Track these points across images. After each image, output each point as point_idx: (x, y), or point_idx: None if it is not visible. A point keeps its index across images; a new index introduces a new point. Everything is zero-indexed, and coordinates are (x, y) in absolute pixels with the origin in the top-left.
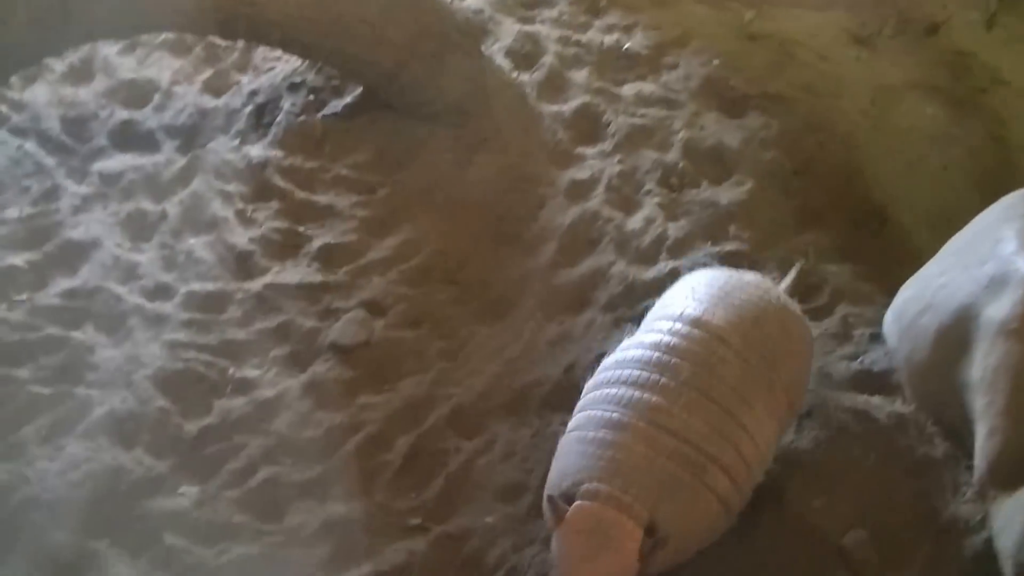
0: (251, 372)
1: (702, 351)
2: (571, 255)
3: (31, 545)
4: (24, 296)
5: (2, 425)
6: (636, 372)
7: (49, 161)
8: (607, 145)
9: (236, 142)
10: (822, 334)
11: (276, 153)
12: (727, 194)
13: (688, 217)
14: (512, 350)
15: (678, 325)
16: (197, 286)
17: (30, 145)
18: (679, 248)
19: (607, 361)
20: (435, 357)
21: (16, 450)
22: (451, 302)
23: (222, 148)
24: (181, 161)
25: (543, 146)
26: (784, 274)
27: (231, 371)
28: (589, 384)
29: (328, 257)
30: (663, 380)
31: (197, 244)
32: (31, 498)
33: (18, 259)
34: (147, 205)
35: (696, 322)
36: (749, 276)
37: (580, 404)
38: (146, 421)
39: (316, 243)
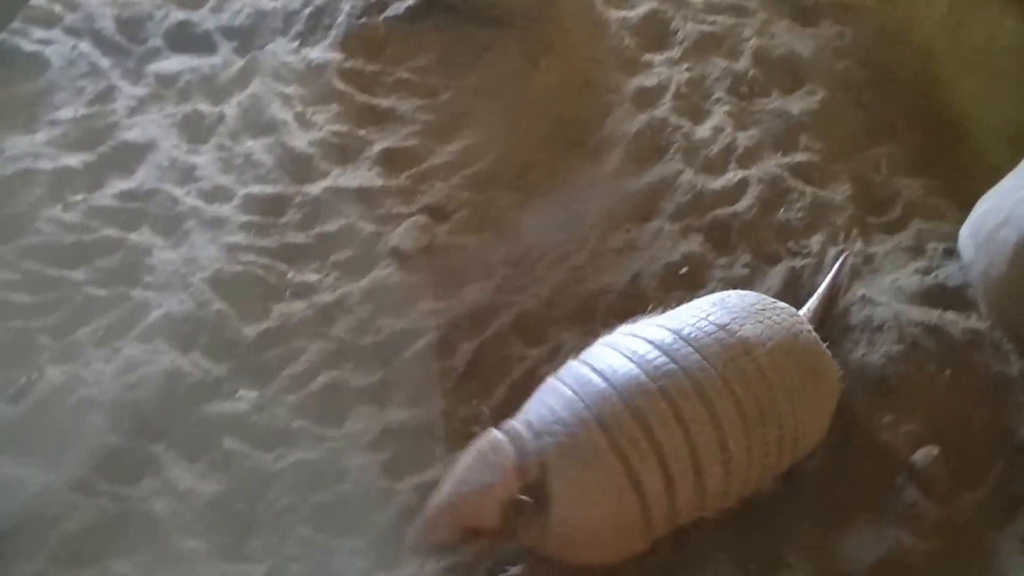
0: (310, 276)
1: (722, 352)
2: (638, 163)
3: (87, 447)
4: (79, 197)
5: (58, 327)
6: (646, 349)
7: (104, 62)
8: (675, 52)
9: (295, 44)
10: (894, 248)
11: (336, 55)
12: (798, 104)
13: (758, 127)
14: (577, 258)
15: (704, 323)
16: (256, 189)
17: (84, 45)
18: (748, 158)
19: (627, 328)
20: (498, 264)
21: (72, 352)
22: (515, 208)
23: (281, 50)
24: (238, 63)
25: (610, 52)
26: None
27: (290, 275)
28: (605, 338)
29: (389, 161)
30: (669, 366)
31: (255, 146)
32: (87, 400)
33: (73, 160)
34: (204, 107)
35: (724, 327)
36: (783, 304)
37: (583, 354)
38: (204, 324)
39: (377, 147)
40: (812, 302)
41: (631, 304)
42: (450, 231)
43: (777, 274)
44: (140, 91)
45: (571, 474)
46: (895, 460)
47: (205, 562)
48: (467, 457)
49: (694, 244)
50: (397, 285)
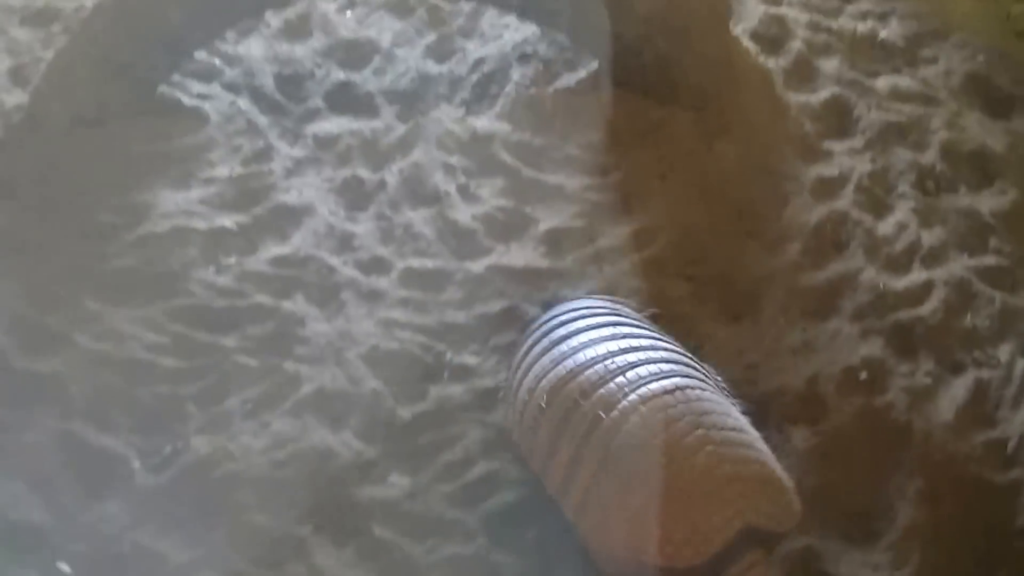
0: (470, 359)
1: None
2: (816, 257)
3: (232, 525)
4: (232, 260)
5: (206, 395)
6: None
7: (262, 120)
8: (857, 141)
9: (460, 112)
10: None
11: (503, 126)
12: (988, 203)
13: (944, 225)
14: (751, 355)
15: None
16: (415, 262)
17: (243, 102)
18: (933, 258)
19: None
20: None
21: (220, 423)
22: (686, 298)
23: (445, 117)
24: (401, 128)
25: (789, 138)
26: None
27: (449, 356)
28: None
29: (555, 241)
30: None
31: (416, 217)
32: (234, 475)
33: (227, 220)
34: (364, 172)
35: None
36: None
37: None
38: (357, 402)
39: (543, 225)
40: None
41: (808, 408)
42: None
43: (962, 385)
44: (298, 152)
45: None
46: None
47: None
48: None
49: (875, 347)
50: None
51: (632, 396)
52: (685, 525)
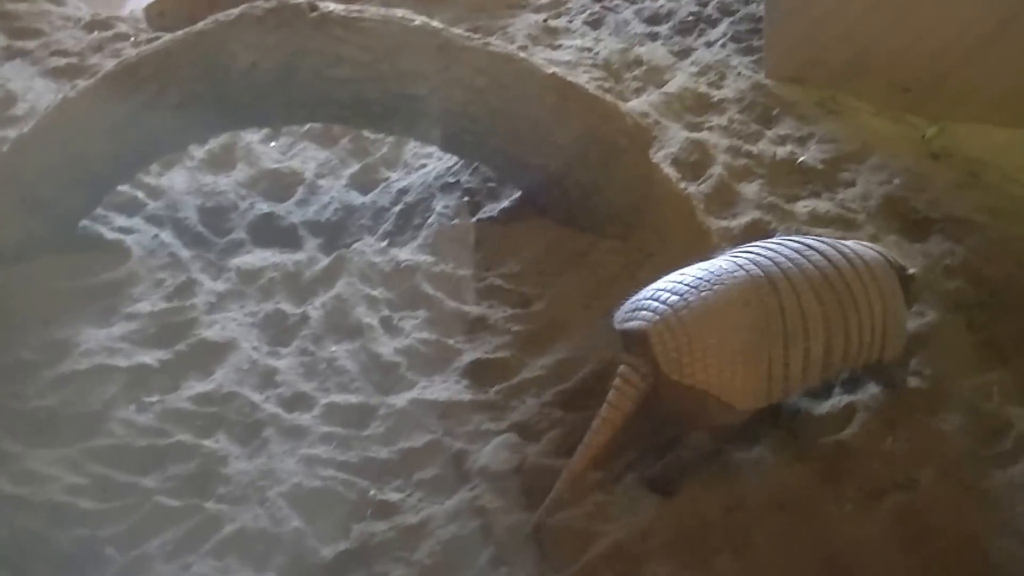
0: (393, 495)
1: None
2: None
3: None
4: (154, 398)
5: (126, 538)
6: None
7: (185, 253)
8: None
9: (384, 243)
10: (1010, 483)
11: (426, 258)
12: (907, 325)
13: None
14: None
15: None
16: (338, 397)
17: (166, 235)
18: (855, 382)
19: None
20: (590, 488)
21: (140, 566)
22: None
23: (368, 249)
24: (324, 260)
25: None
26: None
27: (372, 492)
28: None
29: (479, 374)
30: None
31: (339, 351)
32: None
33: (149, 357)
34: (287, 306)
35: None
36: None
37: None
38: (279, 542)
39: (466, 357)
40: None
41: (733, 535)
42: (541, 452)
43: (886, 509)
44: (221, 286)
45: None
46: None
47: None
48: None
49: (797, 475)
50: (484, 508)
51: None
52: None
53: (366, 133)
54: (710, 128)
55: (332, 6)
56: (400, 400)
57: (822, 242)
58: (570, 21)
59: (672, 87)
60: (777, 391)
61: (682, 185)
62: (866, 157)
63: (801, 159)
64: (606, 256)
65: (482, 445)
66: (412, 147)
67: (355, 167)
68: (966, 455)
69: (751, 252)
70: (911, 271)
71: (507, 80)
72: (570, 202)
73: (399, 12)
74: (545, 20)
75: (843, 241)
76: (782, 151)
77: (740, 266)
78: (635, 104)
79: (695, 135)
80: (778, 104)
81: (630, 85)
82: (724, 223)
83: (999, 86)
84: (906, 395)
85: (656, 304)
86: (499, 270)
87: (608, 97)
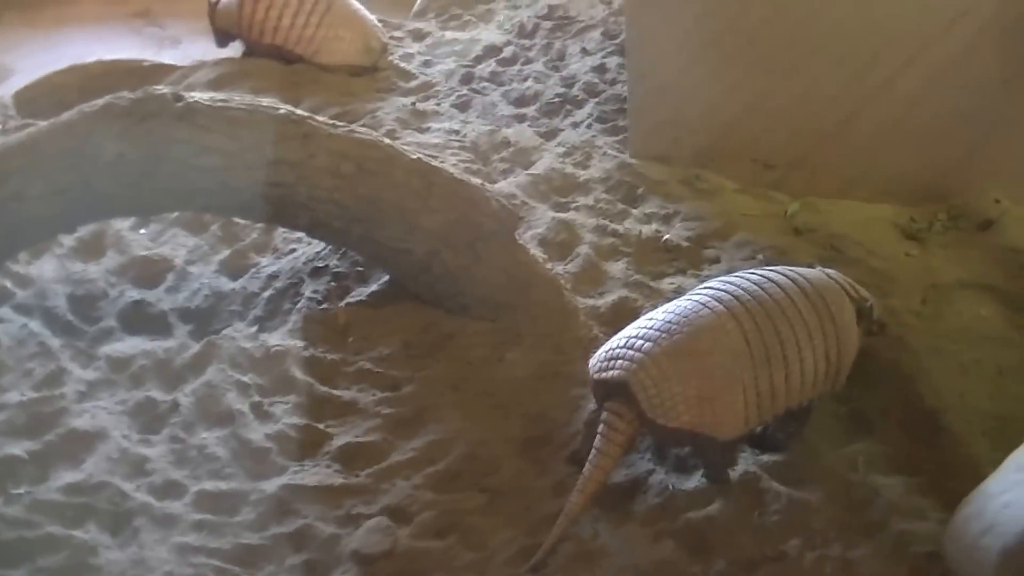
0: None
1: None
2: None
3: None
4: (23, 490)
5: None
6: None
7: (54, 342)
8: None
9: (254, 329)
10: (875, 552)
11: (296, 343)
12: None
13: None
14: (545, 568)
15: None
16: (209, 485)
17: (35, 324)
18: None
19: None
20: (463, 570)
21: None
22: (481, 511)
23: (238, 335)
24: (195, 347)
25: (578, 342)
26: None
27: None
28: None
29: (349, 458)
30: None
31: (210, 438)
32: None
33: (18, 448)
34: (157, 394)
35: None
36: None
37: None
38: None
39: (337, 442)
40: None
41: None
42: (412, 534)
43: None
44: (91, 375)
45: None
46: None
47: None
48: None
49: (666, 550)
50: None
51: None
52: None
53: (236, 219)
54: (576, 208)
55: (197, 96)
56: (271, 485)
57: (779, 273)
58: (438, 104)
59: (539, 168)
60: (753, 418)
61: (549, 265)
62: (730, 234)
63: (666, 237)
64: (475, 338)
65: (353, 529)
66: (281, 232)
67: (225, 253)
68: (834, 525)
69: (712, 288)
70: (869, 303)
71: (372, 166)
72: (438, 286)
73: (265, 101)
74: (413, 104)
75: (801, 270)
76: (647, 229)
77: (703, 304)
78: (502, 186)
79: (562, 215)
80: (643, 183)
81: (497, 167)
82: (591, 302)
83: (857, 163)
84: (774, 468)
85: (631, 352)
86: (369, 353)
87: (475, 180)
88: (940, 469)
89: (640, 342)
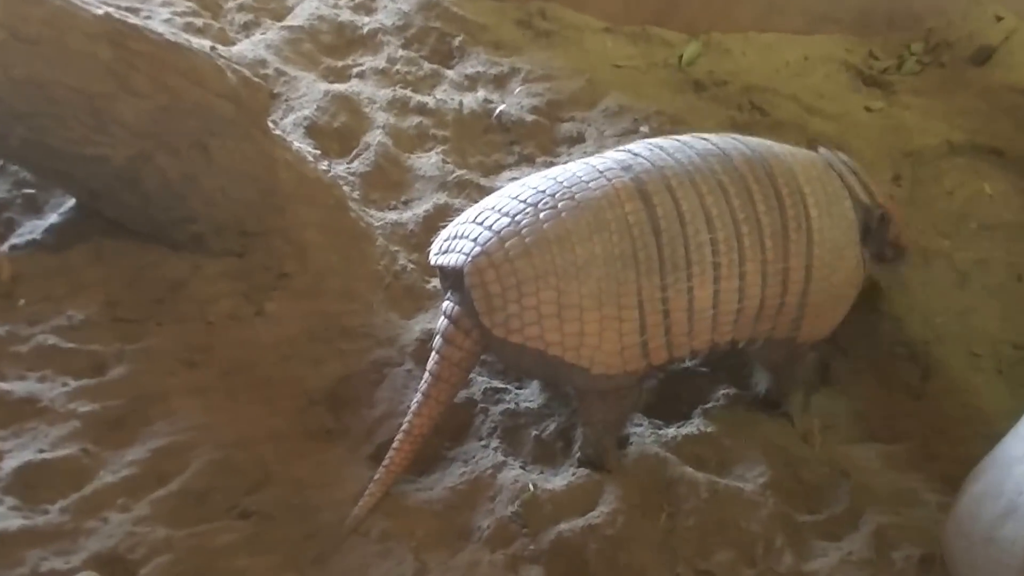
0: None
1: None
2: (432, 453)
3: None
4: None
5: None
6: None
7: None
8: None
9: None
10: (842, 562)
11: None
12: None
13: None
14: None
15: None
16: None
17: None
18: None
19: None
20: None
21: None
22: (243, 547)
23: None
24: None
25: (376, 281)
26: None
27: None
28: None
29: (32, 485)
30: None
31: None
32: None
33: None
34: None
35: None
36: None
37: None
38: None
39: (9, 463)
40: None
41: None
42: None
43: None
44: None
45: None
46: None
47: None
48: None
49: None
50: None
51: None
52: None
53: None
54: (361, 75)
55: None
56: None
57: (738, 141)
58: None
59: (299, 16)
60: (654, 346)
61: (324, 166)
62: (599, 97)
63: (500, 109)
64: (216, 285)
65: None
66: None
67: None
68: (780, 526)
69: (623, 151)
70: (881, 211)
71: (33, 32)
72: (152, 208)
73: None
74: None
75: (781, 145)
76: (471, 100)
77: (600, 171)
78: (244, 48)
79: (339, 87)
80: (461, 28)
81: (235, 19)
82: (392, 216)
83: None
84: (685, 445)
85: (480, 230)
86: (52, 321)
87: (200, 43)
88: (932, 429)
89: (496, 216)
